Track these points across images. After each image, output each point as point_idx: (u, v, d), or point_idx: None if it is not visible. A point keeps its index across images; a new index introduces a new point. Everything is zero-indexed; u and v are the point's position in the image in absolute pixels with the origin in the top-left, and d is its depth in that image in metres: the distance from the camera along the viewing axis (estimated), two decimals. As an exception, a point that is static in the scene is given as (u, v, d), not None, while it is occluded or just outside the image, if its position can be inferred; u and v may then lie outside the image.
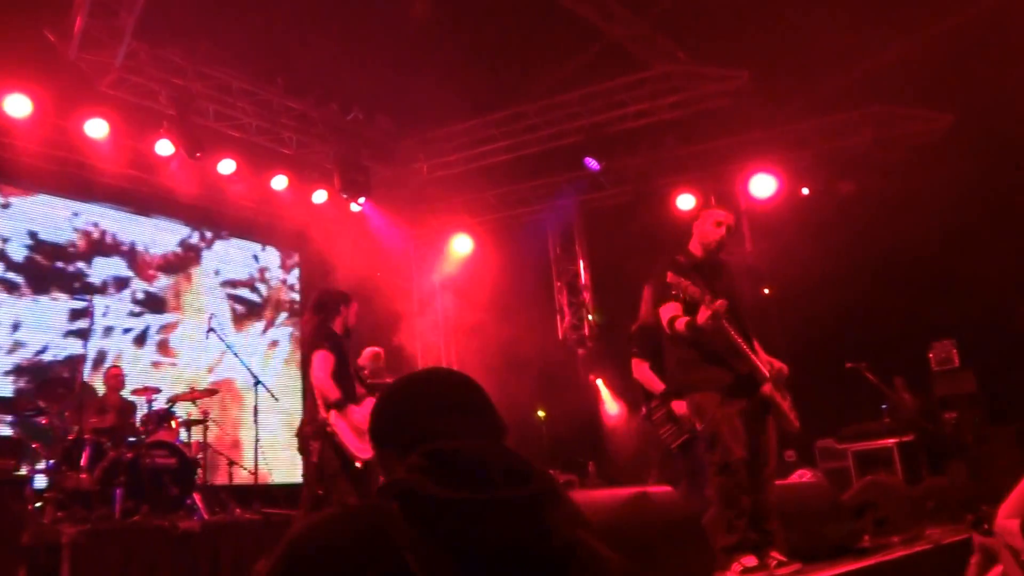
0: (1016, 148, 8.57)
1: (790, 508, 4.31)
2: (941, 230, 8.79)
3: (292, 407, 10.32)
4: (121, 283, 9.23)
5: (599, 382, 10.10)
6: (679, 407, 5.07)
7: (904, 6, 7.31)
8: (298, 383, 10.57)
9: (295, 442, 10.48)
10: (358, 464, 4.80)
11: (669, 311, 4.13)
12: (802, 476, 5.88)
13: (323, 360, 4.94)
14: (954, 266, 9.03)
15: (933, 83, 8.70)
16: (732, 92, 9.19)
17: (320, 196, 10.26)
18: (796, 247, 9.14)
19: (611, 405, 10.58)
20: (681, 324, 4.03)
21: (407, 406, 1.44)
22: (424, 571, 1.11)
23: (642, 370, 5.55)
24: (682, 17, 8.30)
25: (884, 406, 8.95)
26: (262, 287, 10.61)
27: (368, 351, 7.75)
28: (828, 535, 4.55)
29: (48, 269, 8.69)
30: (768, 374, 4.17)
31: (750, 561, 3.87)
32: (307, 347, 5.23)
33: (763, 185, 10.08)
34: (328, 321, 5.15)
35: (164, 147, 8.63)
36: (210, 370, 9.56)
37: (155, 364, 9.30)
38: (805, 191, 9.88)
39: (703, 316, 3.90)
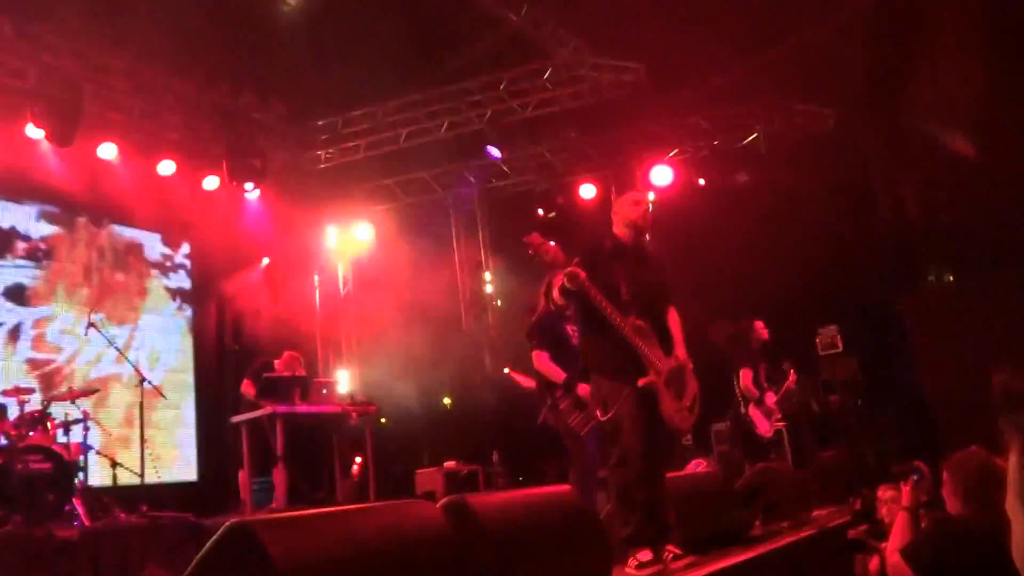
0: (894, 145, 9.04)
1: (685, 499, 4.39)
2: (827, 220, 9.20)
3: (181, 402, 9.88)
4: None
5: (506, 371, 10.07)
6: (584, 391, 5.07)
7: (791, 4, 7.56)
8: (189, 378, 10.12)
9: (185, 440, 10.07)
10: None
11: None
12: (697, 466, 6.03)
13: None
14: (840, 255, 9.46)
15: (819, 80, 9.07)
16: (630, 84, 9.31)
17: (211, 182, 9.79)
18: (690, 236, 9.37)
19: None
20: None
21: None
22: None
23: (543, 360, 5.53)
24: (582, 9, 8.34)
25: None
26: (149, 277, 10.06)
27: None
28: (721, 525, 4.66)
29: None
30: (660, 368, 4.13)
31: (645, 556, 3.91)
32: None
33: (662, 175, 10.27)
34: None
35: (34, 130, 8.03)
36: (92, 366, 9.02)
37: (30, 361, 8.70)
38: (701, 182, 10.12)
39: (562, 278, 3.88)
